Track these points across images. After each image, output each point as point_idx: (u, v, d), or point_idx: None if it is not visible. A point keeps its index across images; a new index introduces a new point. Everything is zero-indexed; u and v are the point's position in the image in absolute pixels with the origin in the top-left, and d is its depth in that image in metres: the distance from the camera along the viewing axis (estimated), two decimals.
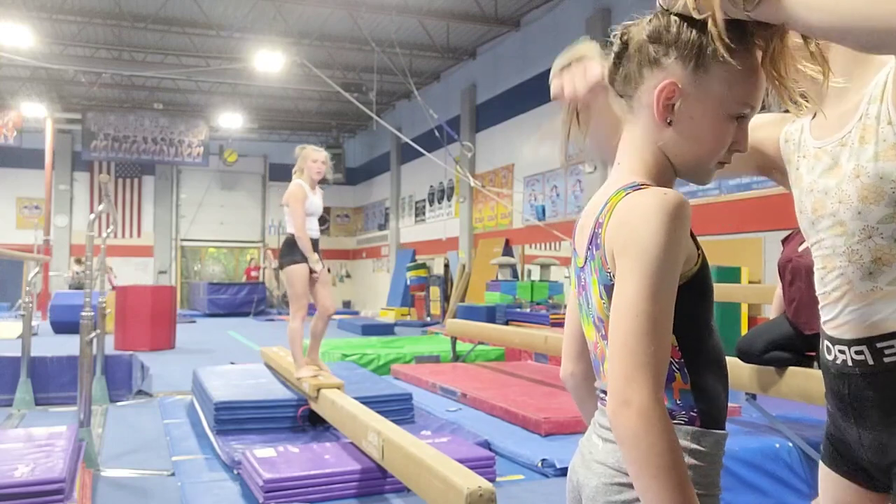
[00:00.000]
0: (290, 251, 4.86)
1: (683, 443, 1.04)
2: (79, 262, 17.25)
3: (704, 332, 1.09)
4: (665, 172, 1.10)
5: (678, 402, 1.08)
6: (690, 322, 1.07)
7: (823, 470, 1.40)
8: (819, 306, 1.34)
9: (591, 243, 1.09)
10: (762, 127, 1.44)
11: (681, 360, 1.08)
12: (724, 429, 1.09)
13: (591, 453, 1.13)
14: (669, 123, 1.07)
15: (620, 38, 1.10)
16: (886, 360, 1.22)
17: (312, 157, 4.91)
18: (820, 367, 3.83)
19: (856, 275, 1.24)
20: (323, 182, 5.09)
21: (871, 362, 1.23)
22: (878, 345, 1.22)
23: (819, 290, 1.33)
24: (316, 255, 4.85)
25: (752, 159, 1.45)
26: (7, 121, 19.43)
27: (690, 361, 1.08)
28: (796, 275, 3.86)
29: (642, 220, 0.98)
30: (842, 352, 1.28)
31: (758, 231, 8.77)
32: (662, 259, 0.97)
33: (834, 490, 1.37)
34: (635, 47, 1.08)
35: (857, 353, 1.25)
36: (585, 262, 1.12)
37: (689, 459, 1.04)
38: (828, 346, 1.32)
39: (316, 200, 4.97)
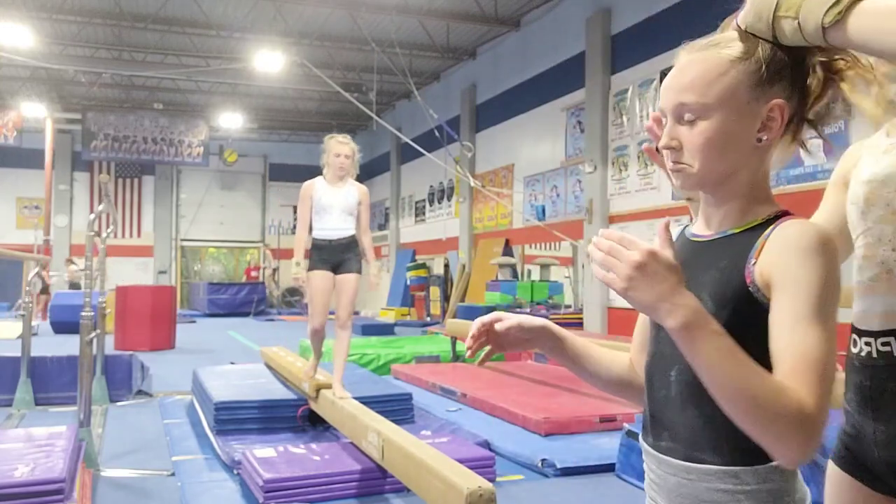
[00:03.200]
0: (309, 256, 4.51)
1: None
2: (71, 262, 17.25)
3: None
4: None
5: None
6: None
7: (832, 469, 1.39)
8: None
9: None
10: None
11: None
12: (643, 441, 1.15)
13: None
14: None
15: None
16: None
17: (335, 151, 4.46)
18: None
19: None
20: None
21: None
22: None
23: (855, 278, 1.34)
24: (296, 259, 4.46)
25: None
26: (7, 121, 19.42)
27: None
28: None
29: None
30: (868, 343, 1.29)
31: None
32: None
33: (839, 490, 1.37)
34: None
35: (883, 343, 1.26)
36: None
37: None
38: (854, 339, 1.33)
39: (331, 197, 4.44)
